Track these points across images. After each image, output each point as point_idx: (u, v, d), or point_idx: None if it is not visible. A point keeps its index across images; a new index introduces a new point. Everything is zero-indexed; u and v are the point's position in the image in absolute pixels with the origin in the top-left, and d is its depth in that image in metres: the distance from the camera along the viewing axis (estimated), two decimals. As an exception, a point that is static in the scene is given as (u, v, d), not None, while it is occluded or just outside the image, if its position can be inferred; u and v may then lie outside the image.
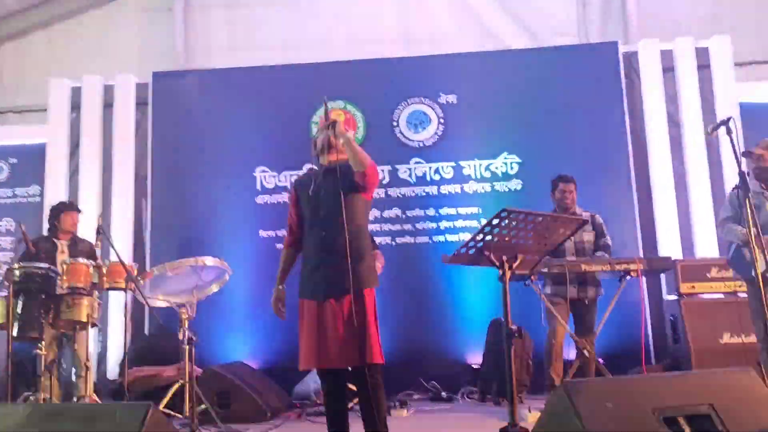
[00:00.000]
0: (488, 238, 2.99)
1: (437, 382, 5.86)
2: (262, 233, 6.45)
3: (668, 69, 6.54)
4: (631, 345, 5.87)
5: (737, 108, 6.29)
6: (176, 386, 4.76)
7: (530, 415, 4.54)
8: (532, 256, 3.17)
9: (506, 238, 2.98)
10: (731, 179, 6.23)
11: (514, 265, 3.05)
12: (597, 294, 5.02)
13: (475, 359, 6.10)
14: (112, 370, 6.30)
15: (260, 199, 6.59)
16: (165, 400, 4.75)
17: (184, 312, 4.69)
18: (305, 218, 3.45)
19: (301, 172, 6.54)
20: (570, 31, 7.27)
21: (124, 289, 4.68)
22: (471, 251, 3.07)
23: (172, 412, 4.60)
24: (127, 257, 6.01)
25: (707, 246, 6.16)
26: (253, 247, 6.41)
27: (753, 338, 4.99)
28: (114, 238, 4.77)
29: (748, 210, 3.56)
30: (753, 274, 4.34)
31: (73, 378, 5.19)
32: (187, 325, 4.63)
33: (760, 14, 7.05)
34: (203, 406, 4.61)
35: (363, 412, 3.25)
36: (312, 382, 5.92)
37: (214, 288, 5.01)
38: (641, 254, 6.03)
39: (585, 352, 4.66)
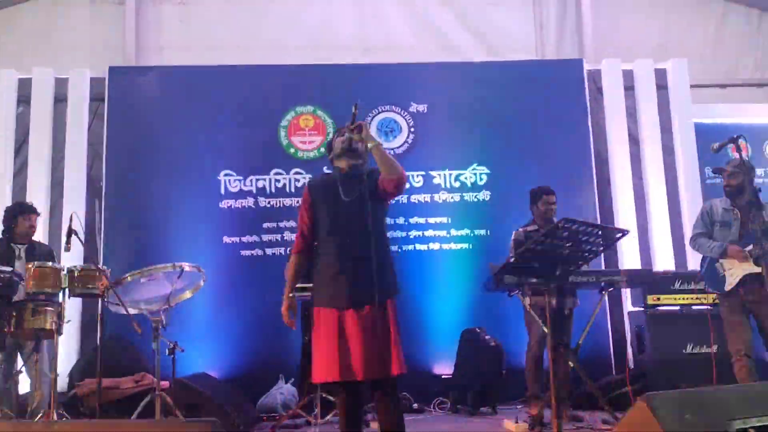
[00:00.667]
0: (538, 247, 2.95)
1: (407, 393, 5.82)
2: (226, 239, 6.22)
3: (628, 88, 6.78)
4: (595, 355, 6.03)
5: (693, 128, 6.60)
6: (146, 399, 4.53)
7: (517, 425, 4.58)
8: (567, 267, 3.15)
9: (552, 250, 2.95)
10: (687, 196, 6.54)
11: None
12: (574, 305, 5.11)
13: (444, 370, 6.10)
14: (62, 382, 5.90)
15: (224, 204, 6.37)
16: (135, 414, 4.51)
17: (157, 320, 4.47)
18: (321, 224, 3.34)
19: (268, 177, 6.38)
20: (527, 49, 7.39)
21: (98, 296, 4.38)
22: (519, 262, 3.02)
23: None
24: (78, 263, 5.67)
25: (665, 259, 6.41)
26: (216, 253, 6.17)
27: (714, 349, 5.25)
28: (64, 242, 4.42)
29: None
30: (726, 288, 4.57)
31: (29, 389, 4.85)
32: (160, 334, 4.44)
33: (707, 40, 7.43)
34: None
35: (384, 422, 3.16)
36: (279, 394, 5.74)
37: (188, 294, 4.79)
38: (603, 266, 6.20)
39: (569, 362, 4.72)
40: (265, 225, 6.34)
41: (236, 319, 6.11)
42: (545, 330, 4.84)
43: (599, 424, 4.69)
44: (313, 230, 3.38)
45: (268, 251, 6.30)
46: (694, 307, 5.62)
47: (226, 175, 6.39)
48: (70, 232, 4.27)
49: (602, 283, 4.84)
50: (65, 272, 4.28)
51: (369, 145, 3.19)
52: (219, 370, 5.97)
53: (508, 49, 7.28)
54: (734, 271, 4.54)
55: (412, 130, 6.55)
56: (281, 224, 6.35)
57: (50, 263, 4.32)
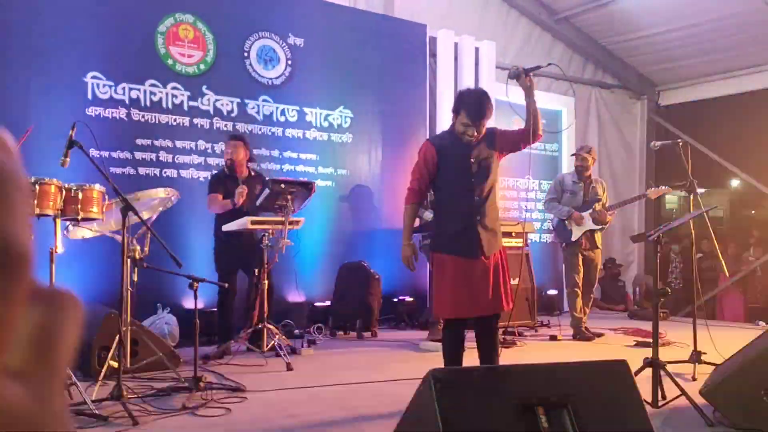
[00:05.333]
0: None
1: (290, 320, 6.07)
2: (94, 152, 5.37)
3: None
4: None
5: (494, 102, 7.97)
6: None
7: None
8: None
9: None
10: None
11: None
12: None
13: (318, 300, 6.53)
14: None
15: (92, 111, 5.50)
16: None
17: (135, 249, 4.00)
18: (445, 180, 3.62)
19: (142, 88, 5.71)
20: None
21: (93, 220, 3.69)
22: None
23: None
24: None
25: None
26: (82, 166, 5.31)
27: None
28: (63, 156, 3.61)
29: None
30: (572, 238, 6.10)
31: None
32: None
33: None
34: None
35: (485, 354, 3.68)
36: (164, 324, 5.44)
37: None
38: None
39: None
40: (138, 141, 5.70)
41: (104, 242, 5.42)
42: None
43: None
44: (429, 184, 3.67)
45: (141, 171, 5.70)
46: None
47: (93, 77, 5.50)
48: (71, 143, 3.54)
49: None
50: (61, 193, 3.51)
51: (530, 99, 3.62)
52: (87, 297, 5.29)
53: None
54: (578, 228, 6.08)
55: (290, 63, 6.54)
56: (156, 143, 5.78)
57: (47, 178, 3.47)
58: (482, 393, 2.22)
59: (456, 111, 3.65)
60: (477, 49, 7.96)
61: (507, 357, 3.94)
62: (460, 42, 7.84)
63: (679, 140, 4.76)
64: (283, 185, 4.88)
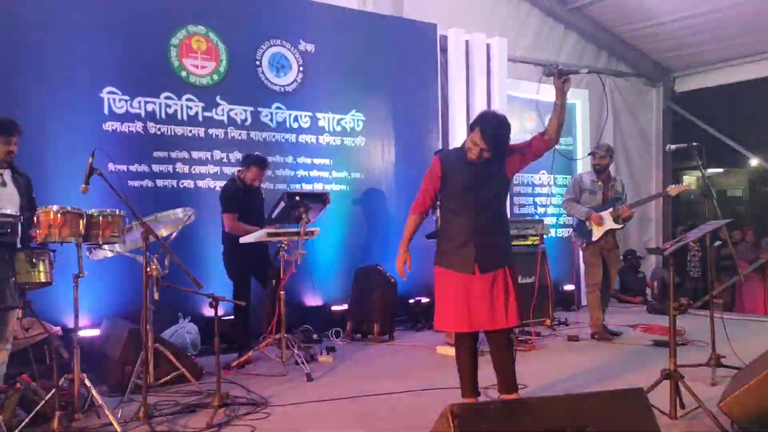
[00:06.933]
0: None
1: (308, 325, 6.17)
2: (112, 167, 5.46)
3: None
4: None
5: (506, 98, 7.97)
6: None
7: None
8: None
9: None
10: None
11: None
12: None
13: (336, 304, 6.61)
14: None
15: (109, 126, 5.56)
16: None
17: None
18: (454, 195, 3.64)
19: (157, 101, 5.77)
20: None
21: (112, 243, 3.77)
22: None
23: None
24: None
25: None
26: (100, 182, 5.38)
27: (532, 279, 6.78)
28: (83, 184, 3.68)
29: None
30: (592, 239, 6.09)
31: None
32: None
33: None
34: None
35: (500, 365, 3.72)
36: (186, 334, 5.55)
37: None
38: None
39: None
40: (155, 154, 5.76)
41: (124, 258, 5.51)
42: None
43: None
44: (435, 199, 3.70)
45: (159, 183, 5.77)
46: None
47: (109, 93, 5.56)
48: (91, 170, 3.61)
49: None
50: (83, 219, 3.58)
51: (561, 100, 3.60)
52: (109, 311, 5.39)
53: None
54: (599, 228, 6.06)
55: (302, 69, 6.56)
56: (173, 155, 5.85)
57: (69, 207, 3.55)
58: (499, 427, 2.27)
59: (472, 127, 3.66)
60: (488, 46, 7.92)
61: (523, 364, 3.97)
62: (471, 39, 7.81)
63: (695, 143, 4.73)
64: (298, 198, 4.92)
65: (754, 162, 12.96)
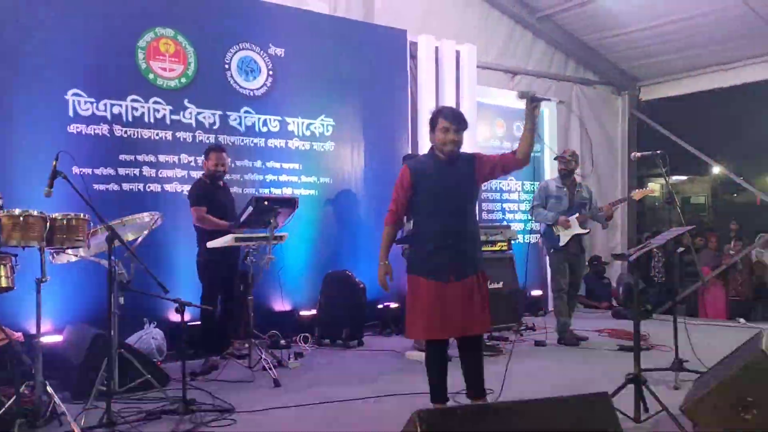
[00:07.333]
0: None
1: (275, 331, 6.13)
2: (76, 170, 5.35)
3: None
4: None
5: (476, 105, 8.02)
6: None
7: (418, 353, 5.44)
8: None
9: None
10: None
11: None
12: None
13: (304, 309, 6.57)
14: None
15: (73, 128, 5.46)
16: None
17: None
18: (425, 202, 3.66)
19: (124, 103, 5.69)
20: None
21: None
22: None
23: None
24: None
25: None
26: (65, 185, 5.29)
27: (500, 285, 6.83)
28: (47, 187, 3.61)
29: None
30: (559, 244, 6.16)
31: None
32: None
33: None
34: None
35: (469, 370, 3.74)
36: (152, 339, 5.46)
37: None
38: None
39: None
40: (121, 157, 5.67)
41: (88, 263, 5.41)
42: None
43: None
44: (405, 207, 3.71)
45: (125, 187, 5.68)
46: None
47: (74, 95, 5.47)
48: (55, 173, 3.54)
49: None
50: (46, 222, 3.51)
51: (530, 125, 3.67)
52: (73, 318, 5.28)
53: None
54: (566, 232, 6.14)
55: (271, 73, 6.52)
56: (139, 158, 5.76)
57: (33, 210, 3.48)
58: (467, 432, 2.28)
59: (433, 122, 3.71)
60: (458, 53, 7.98)
61: (491, 369, 3.99)
62: (440, 46, 7.85)
63: (658, 151, 4.81)
64: (266, 202, 4.89)
65: (716, 170, 13.29)
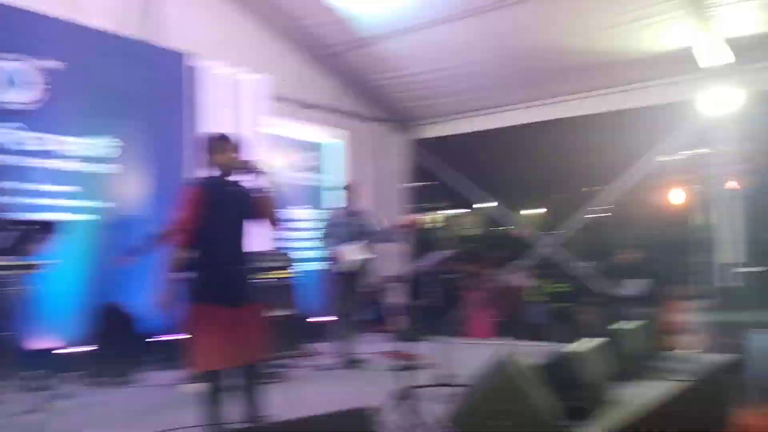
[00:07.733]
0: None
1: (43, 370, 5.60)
2: None
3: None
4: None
5: (267, 135, 8.10)
6: None
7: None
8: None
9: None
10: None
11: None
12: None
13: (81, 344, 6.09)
14: None
15: None
16: None
17: None
18: (205, 227, 3.66)
19: None
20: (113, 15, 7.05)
21: None
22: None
23: None
24: None
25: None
26: None
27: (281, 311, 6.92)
28: None
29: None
30: (341, 270, 6.48)
31: None
32: None
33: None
34: None
35: (249, 397, 3.77)
36: None
37: None
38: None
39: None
40: None
41: None
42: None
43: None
44: (195, 228, 3.69)
45: None
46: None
47: None
48: None
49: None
50: None
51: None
52: None
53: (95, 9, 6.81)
54: (349, 259, 6.45)
55: (48, 87, 6.08)
56: None
57: None
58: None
59: (209, 149, 3.77)
60: (242, 81, 8.06)
61: (271, 395, 4.06)
62: (228, 73, 7.88)
63: (431, 183, 5.29)
64: (23, 226, 4.53)
65: (487, 204, 14.65)
